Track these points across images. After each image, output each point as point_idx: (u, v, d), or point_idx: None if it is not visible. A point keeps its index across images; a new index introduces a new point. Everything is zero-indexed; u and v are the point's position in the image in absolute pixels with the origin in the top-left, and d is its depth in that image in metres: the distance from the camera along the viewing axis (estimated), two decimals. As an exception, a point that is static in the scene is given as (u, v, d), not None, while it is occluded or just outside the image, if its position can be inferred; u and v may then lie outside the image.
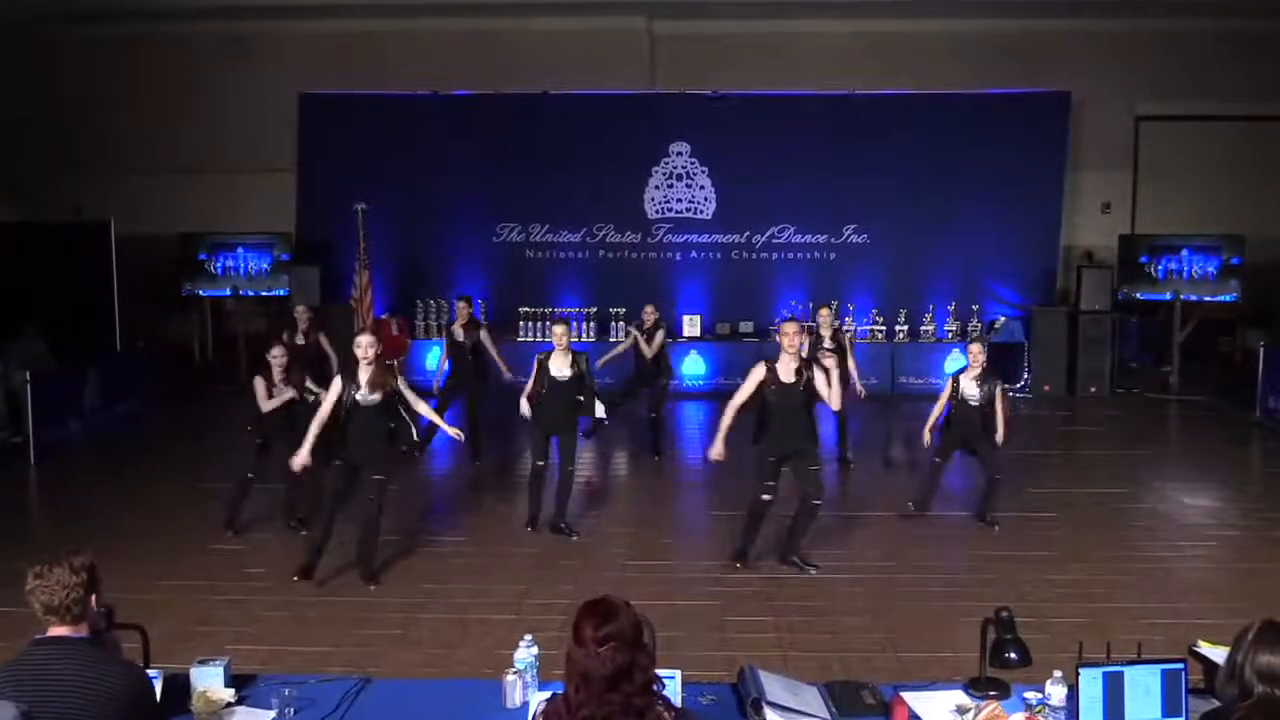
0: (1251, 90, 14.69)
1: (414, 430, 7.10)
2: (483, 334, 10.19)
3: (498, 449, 10.64)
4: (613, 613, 2.59)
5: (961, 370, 8.30)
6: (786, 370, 6.89)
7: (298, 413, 7.76)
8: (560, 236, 15.04)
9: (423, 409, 7.13)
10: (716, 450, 7.02)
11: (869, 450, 10.93)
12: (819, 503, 6.99)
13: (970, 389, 8.09)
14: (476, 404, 10.19)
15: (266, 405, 7.80)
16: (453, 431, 7.35)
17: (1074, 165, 15.02)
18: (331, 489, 6.86)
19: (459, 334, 10.13)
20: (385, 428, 6.86)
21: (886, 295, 14.66)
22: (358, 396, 6.73)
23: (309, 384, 7.98)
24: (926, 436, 8.36)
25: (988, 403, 8.06)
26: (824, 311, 10.20)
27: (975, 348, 8.26)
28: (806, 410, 6.95)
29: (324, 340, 10.19)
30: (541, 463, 8.06)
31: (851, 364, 9.99)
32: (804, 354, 7.08)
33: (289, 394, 7.84)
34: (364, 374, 6.73)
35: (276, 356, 7.87)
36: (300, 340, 9.91)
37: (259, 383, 7.88)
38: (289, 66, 14.89)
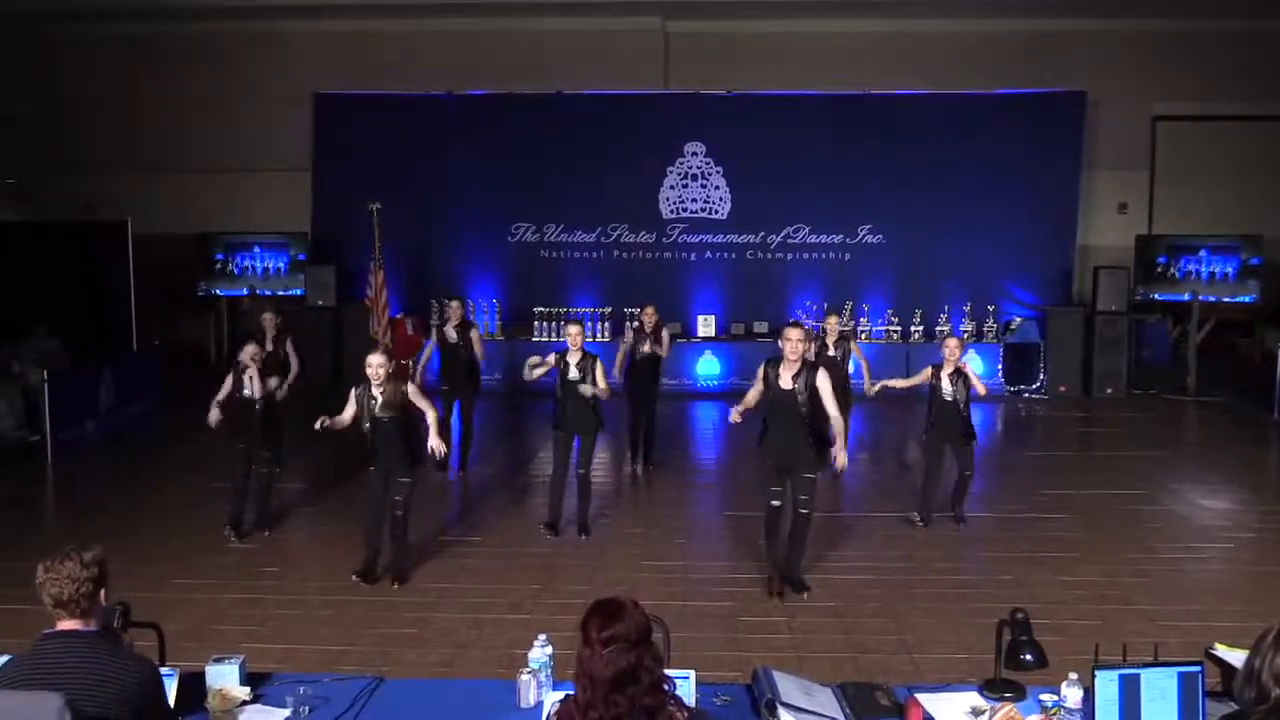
0: (1269, 90, 14.59)
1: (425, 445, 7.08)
2: (473, 334, 10.12)
3: (506, 453, 10.62)
4: (618, 613, 2.58)
5: (939, 363, 8.22)
6: (786, 375, 6.62)
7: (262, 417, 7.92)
8: (575, 236, 15.04)
9: (429, 416, 6.98)
10: (735, 415, 6.75)
11: (884, 452, 10.91)
12: (806, 512, 6.62)
13: (947, 385, 8.09)
14: (470, 409, 10.03)
15: (221, 394, 7.92)
16: (436, 444, 6.99)
17: (1090, 165, 14.95)
18: (373, 494, 6.96)
19: (452, 335, 10.01)
20: (406, 436, 6.88)
21: (901, 295, 14.61)
22: (376, 411, 6.77)
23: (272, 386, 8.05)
24: (877, 386, 8.82)
25: (963, 400, 8.06)
26: (832, 320, 9.99)
27: (952, 342, 8.25)
28: (806, 416, 6.64)
29: (290, 348, 10.07)
30: (561, 472, 8.04)
31: (862, 364, 9.83)
32: (808, 358, 6.84)
33: (254, 390, 7.88)
34: (377, 392, 6.75)
35: (251, 356, 7.92)
36: (268, 348, 9.57)
37: (227, 381, 7.96)
38: (304, 66, 14.96)
